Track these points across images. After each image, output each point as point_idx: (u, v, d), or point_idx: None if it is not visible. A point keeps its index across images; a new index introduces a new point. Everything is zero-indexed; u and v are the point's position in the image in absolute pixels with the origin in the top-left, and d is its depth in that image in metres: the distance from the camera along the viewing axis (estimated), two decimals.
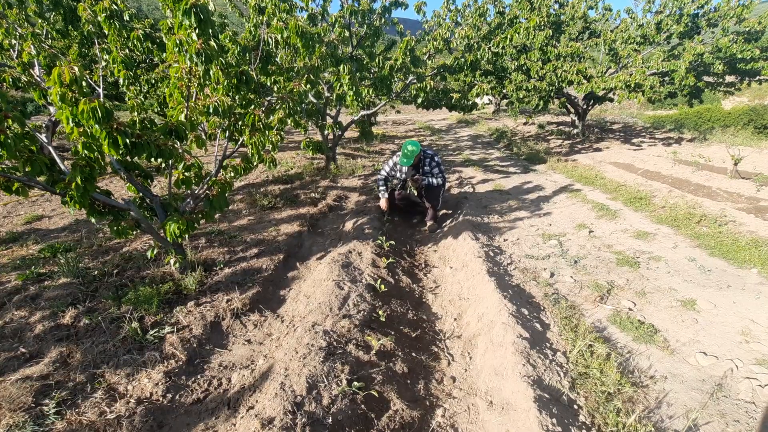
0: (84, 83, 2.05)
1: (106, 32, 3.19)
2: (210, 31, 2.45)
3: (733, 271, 3.43)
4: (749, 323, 2.72)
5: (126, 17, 3.96)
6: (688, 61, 7.56)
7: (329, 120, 7.02)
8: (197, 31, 2.35)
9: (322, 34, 4.45)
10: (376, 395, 2.07)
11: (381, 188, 4.67)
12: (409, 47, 5.33)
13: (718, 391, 2.17)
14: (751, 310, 2.86)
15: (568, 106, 10.92)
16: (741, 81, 9.50)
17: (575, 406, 2.03)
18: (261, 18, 4.16)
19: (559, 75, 7.85)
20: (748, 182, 5.87)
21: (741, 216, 4.54)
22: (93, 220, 2.70)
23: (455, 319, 2.95)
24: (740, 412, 2.04)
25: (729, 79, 9.71)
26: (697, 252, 3.82)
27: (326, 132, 6.62)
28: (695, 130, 11.99)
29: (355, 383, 2.07)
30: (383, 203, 4.68)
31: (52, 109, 3.45)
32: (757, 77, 9.08)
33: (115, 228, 2.76)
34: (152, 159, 2.36)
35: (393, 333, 2.62)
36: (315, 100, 6.32)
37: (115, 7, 3.28)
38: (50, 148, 2.77)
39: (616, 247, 4.01)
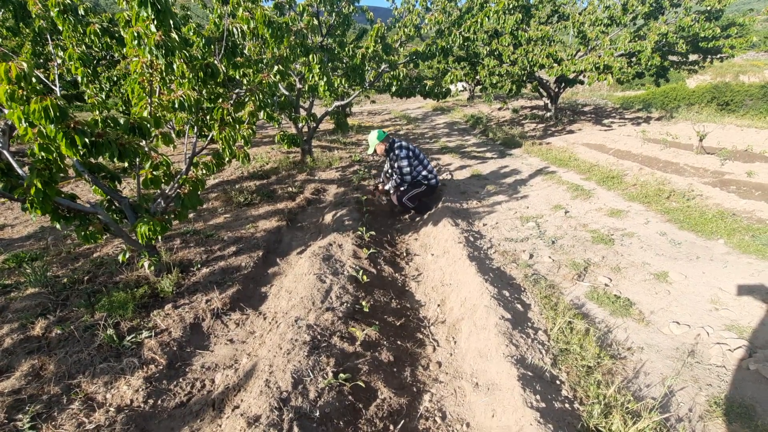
0: (36, 80, 1.93)
1: (61, 28, 3.01)
2: (170, 22, 2.34)
3: (701, 243, 3.57)
4: (718, 291, 2.84)
5: (81, 11, 3.75)
6: (654, 42, 7.73)
7: (303, 112, 6.90)
8: (155, 22, 2.24)
9: (290, 24, 4.34)
10: (363, 385, 2.06)
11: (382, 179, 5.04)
12: (379, 35, 5.26)
13: (691, 358, 2.26)
14: (719, 278, 2.99)
15: (541, 89, 11.06)
16: (704, 59, 9.81)
17: (557, 382, 2.08)
18: (225, 8, 4.02)
19: (530, 59, 7.92)
20: (712, 157, 6.10)
21: (707, 190, 4.72)
22: (58, 226, 2.58)
23: (438, 305, 2.97)
24: (712, 376, 2.13)
25: (692, 57, 10.00)
26: (667, 226, 3.95)
27: (300, 124, 6.50)
28: (662, 109, 12.37)
29: (341, 375, 2.06)
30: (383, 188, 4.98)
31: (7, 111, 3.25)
32: (719, 55, 9.38)
33: (83, 233, 2.64)
34: (116, 159, 2.26)
35: (377, 323, 2.62)
36: (287, 92, 6.20)
37: (69, 1, 3.10)
38: (6, 152, 2.62)
39: (591, 225, 4.11)
